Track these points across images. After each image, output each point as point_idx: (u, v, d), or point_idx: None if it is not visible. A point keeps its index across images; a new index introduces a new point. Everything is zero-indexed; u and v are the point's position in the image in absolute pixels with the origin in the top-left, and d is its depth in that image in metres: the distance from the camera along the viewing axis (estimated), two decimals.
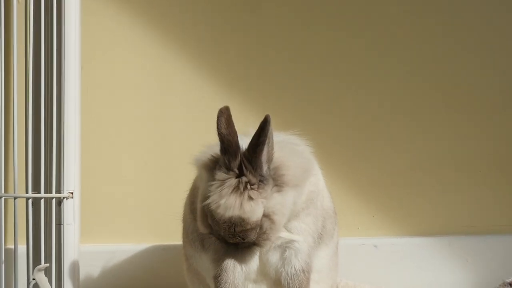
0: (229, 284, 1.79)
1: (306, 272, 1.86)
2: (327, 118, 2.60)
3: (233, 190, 1.68)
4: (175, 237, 2.19)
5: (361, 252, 2.57)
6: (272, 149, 1.72)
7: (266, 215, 1.72)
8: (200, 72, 2.56)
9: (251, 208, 1.68)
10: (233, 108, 1.75)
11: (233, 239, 1.73)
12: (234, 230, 1.70)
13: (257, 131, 1.69)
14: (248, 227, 1.70)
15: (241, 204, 1.68)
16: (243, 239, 1.72)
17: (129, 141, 2.55)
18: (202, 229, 1.77)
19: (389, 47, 2.61)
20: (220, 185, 1.69)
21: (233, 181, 1.69)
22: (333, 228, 2.01)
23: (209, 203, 1.69)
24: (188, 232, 1.94)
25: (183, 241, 2.02)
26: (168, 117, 2.57)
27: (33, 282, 1.96)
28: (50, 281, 2.04)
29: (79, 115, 2.17)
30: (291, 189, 1.75)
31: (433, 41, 2.62)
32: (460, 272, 2.59)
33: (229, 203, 1.67)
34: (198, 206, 1.77)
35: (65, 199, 2.09)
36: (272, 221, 1.73)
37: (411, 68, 2.62)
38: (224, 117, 1.71)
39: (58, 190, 2.09)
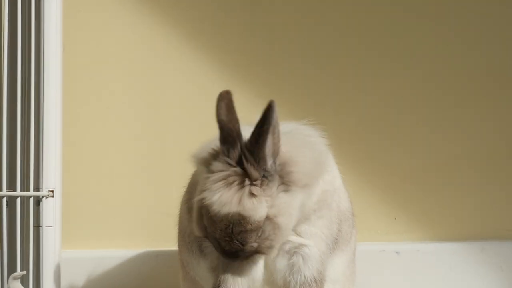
0: None
1: (319, 281, 1.77)
2: (345, 106, 2.56)
3: (231, 183, 1.60)
4: (169, 242, 2.11)
5: (381, 259, 2.52)
6: (279, 141, 1.63)
7: (269, 218, 1.62)
8: (199, 54, 2.52)
9: (252, 205, 1.58)
10: (236, 94, 1.66)
11: (230, 245, 1.61)
12: (232, 231, 1.60)
13: (260, 119, 1.59)
14: (248, 227, 1.59)
15: (240, 199, 1.58)
16: (242, 244, 1.61)
17: (118, 132, 2.51)
18: (197, 231, 1.68)
19: (409, 39, 2.58)
20: (216, 178, 1.61)
21: (231, 173, 1.61)
22: (350, 232, 1.92)
23: (202, 199, 1.60)
24: (185, 234, 1.86)
25: (179, 245, 1.94)
26: (162, 105, 2.52)
27: None
28: None
29: (61, 103, 2.10)
30: (300, 189, 1.66)
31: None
32: (494, 281, 2.54)
33: (225, 198, 1.58)
34: (194, 205, 1.68)
35: (44, 198, 2.03)
36: (276, 225, 1.63)
37: (435, 63, 2.58)
38: (225, 102, 1.63)
39: (37, 188, 2.04)
